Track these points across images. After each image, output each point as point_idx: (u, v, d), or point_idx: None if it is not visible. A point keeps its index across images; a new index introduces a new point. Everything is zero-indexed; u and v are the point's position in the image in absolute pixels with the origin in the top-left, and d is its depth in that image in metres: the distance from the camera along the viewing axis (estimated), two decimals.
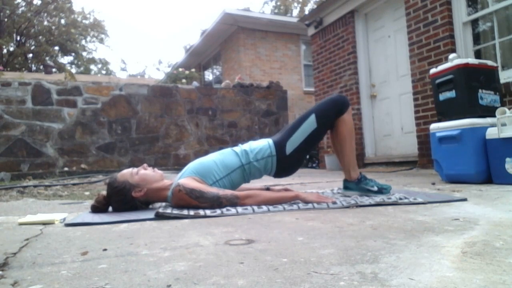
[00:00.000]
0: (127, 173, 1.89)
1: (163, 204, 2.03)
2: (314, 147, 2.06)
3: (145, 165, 1.96)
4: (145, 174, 1.89)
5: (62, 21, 21.84)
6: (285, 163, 1.96)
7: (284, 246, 1.04)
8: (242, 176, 1.94)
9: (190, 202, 1.73)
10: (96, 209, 1.86)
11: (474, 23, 4.17)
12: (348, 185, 2.12)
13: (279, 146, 1.95)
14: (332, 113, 2.01)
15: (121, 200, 1.85)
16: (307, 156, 6.99)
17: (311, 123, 1.96)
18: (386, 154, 5.44)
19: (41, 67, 19.37)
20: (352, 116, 2.11)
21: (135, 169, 1.91)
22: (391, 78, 5.36)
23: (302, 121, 1.98)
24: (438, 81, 2.96)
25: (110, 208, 1.91)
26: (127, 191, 1.83)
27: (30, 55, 22.10)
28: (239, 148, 1.99)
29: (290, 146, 1.94)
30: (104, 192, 1.91)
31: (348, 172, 2.10)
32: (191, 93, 6.88)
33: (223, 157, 1.93)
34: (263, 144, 1.98)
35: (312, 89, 6.90)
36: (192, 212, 1.63)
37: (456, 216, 1.39)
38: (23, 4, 19.95)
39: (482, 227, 1.19)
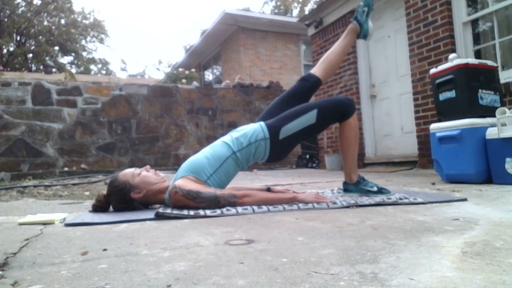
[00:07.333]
0: (129, 174, 1.89)
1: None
2: (305, 140, 2.05)
3: (147, 166, 1.95)
4: (146, 176, 1.89)
5: (62, 21, 21.84)
6: (277, 148, 1.92)
7: (284, 246, 1.03)
8: (236, 164, 1.90)
9: (187, 203, 1.72)
10: (97, 208, 1.87)
11: (474, 23, 4.17)
12: (347, 187, 2.12)
13: (273, 130, 1.90)
14: (335, 115, 1.99)
15: (119, 200, 1.85)
16: (307, 156, 7.00)
17: (310, 118, 1.91)
18: (386, 154, 5.44)
19: (41, 67, 19.36)
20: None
21: (137, 170, 1.90)
22: (391, 78, 5.36)
23: (303, 112, 1.92)
24: (438, 81, 2.96)
25: (111, 208, 1.91)
26: (126, 191, 1.83)
27: (30, 55, 22.09)
28: (229, 137, 1.96)
29: (284, 133, 1.90)
30: (105, 191, 1.92)
31: (348, 175, 2.10)
32: (191, 93, 6.88)
33: (213, 150, 1.90)
34: (255, 127, 1.93)
35: None
36: (192, 212, 1.63)
37: (456, 216, 1.39)
38: (23, 4, 19.95)
39: (482, 227, 1.19)
